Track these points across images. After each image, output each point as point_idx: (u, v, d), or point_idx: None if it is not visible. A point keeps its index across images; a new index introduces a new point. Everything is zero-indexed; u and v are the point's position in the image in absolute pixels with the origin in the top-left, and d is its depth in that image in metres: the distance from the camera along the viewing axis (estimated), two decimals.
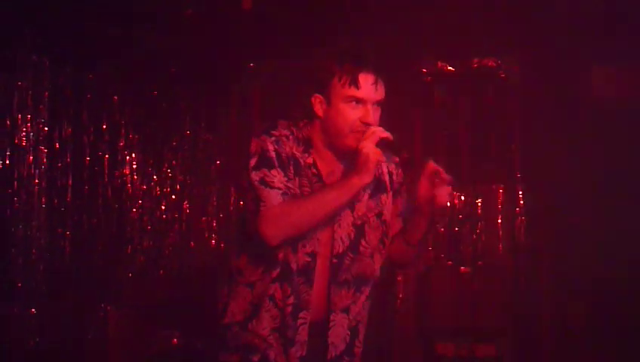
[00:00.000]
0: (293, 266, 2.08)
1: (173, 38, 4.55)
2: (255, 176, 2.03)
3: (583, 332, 4.56)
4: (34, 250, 4.34)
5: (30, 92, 4.34)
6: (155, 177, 4.91)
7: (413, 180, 2.16)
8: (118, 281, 4.60)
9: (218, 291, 2.28)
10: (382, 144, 2.00)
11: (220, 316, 2.21)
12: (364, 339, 2.22)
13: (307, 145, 2.10)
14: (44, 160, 4.43)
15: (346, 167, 2.11)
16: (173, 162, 4.93)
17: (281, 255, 2.08)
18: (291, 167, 2.07)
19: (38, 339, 4.26)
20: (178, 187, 4.94)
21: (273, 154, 2.04)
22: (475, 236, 4.87)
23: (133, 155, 4.89)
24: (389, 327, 4.76)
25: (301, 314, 2.11)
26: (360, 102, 2.02)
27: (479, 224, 4.86)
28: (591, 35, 4.38)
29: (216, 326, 2.24)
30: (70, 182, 4.57)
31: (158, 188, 4.97)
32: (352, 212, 2.14)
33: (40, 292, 4.33)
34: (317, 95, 2.07)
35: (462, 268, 4.84)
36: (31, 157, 4.36)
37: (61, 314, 4.37)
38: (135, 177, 4.89)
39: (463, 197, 4.88)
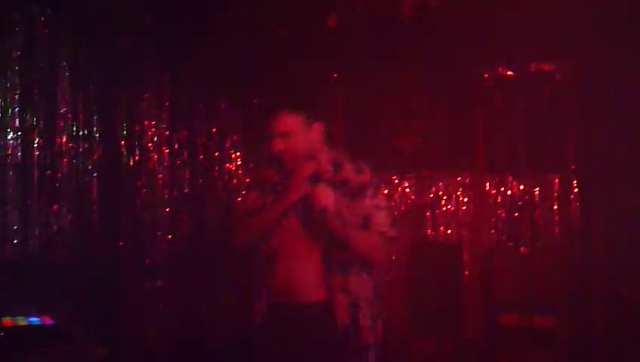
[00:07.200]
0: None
1: (268, 55, 4.83)
2: None
3: (633, 305, 4.69)
4: (159, 233, 4.68)
5: (154, 102, 4.71)
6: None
7: None
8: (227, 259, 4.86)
9: None
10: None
11: None
12: None
13: None
14: (166, 158, 4.78)
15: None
16: None
17: None
18: None
19: (162, 306, 4.65)
20: None
21: None
22: (533, 221, 5.13)
23: (238, 153, 5.28)
24: (457, 300, 5.09)
25: None
26: None
27: (537, 210, 5.12)
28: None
29: None
30: (187, 176, 4.90)
31: None
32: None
33: (164, 268, 4.68)
34: None
35: (522, 248, 5.13)
36: (155, 156, 4.69)
37: (181, 286, 4.73)
38: (240, 172, 5.25)
39: (522, 186, 5.17)
